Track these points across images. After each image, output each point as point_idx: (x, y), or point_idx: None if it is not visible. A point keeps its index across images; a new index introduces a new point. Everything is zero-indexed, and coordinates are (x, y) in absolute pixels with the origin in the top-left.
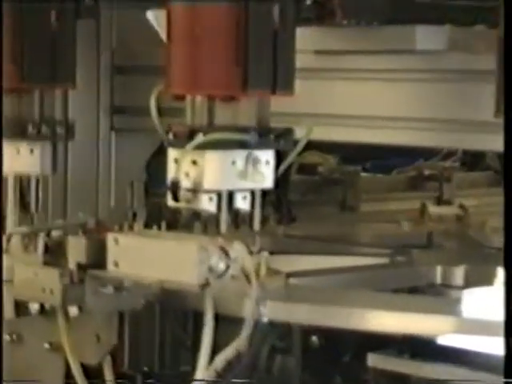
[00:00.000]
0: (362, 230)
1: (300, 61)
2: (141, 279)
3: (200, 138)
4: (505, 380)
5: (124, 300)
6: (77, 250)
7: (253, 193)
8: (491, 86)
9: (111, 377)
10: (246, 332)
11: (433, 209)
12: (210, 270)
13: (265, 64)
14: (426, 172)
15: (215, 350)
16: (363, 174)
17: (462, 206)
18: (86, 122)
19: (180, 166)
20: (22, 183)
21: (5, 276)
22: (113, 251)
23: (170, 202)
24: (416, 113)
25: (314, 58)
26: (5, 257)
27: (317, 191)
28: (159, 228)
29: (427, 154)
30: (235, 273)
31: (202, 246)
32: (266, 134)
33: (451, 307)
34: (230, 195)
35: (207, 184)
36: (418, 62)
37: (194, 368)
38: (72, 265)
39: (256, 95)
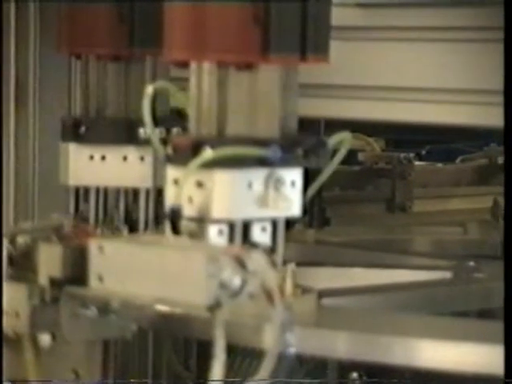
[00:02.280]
0: (416, 235)
1: (338, 17)
2: (132, 299)
3: (208, 152)
4: (505, 380)
5: (110, 325)
6: (50, 260)
7: (274, 223)
8: None
9: None
10: (267, 367)
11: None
12: (222, 286)
13: (291, 22)
14: (500, 160)
15: None
16: (417, 163)
17: None
18: None
19: (182, 188)
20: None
21: None
22: (96, 262)
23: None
24: (490, 84)
25: (357, 13)
26: None
27: (357, 185)
28: (156, 232)
29: (502, 136)
30: (254, 290)
31: (212, 255)
32: (292, 148)
33: None
34: (246, 226)
35: (216, 212)
36: (494, 18)
37: None
38: (44, 280)
39: (279, 63)
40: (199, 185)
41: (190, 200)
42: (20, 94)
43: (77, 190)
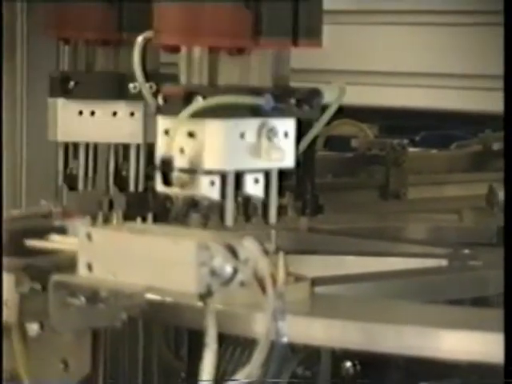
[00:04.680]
0: (411, 222)
1: (331, 1)
2: (121, 287)
3: (199, 102)
4: (505, 380)
5: (99, 314)
6: (38, 248)
7: (267, 174)
8: None
9: None
10: (259, 356)
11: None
12: (213, 274)
13: (283, 7)
14: (495, 146)
15: (219, 381)
16: (411, 150)
17: None
18: None
19: (173, 139)
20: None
21: None
22: (85, 250)
23: (160, 187)
24: (484, 69)
25: None
26: None
27: (350, 172)
28: (144, 220)
29: (496, 122)
30: (245, 278)
31: (203, 243)
32: (284, 98)
33: None
34: (238, 177)
35: (208, 163)
36: (489, 2)
37: None
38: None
39: (271, 47)
40: (191, 135)
41: (182, 151)
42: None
43: (66, 147)
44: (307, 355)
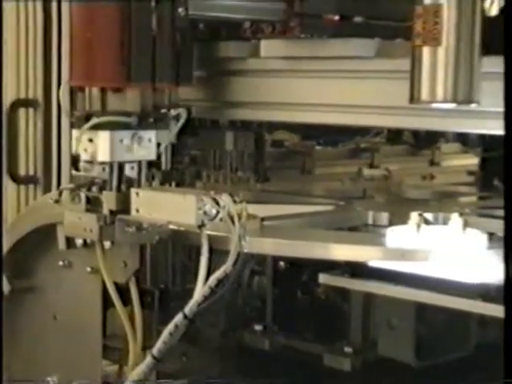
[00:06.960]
0: (316, 186)
1: (271, 64)
2: (155, 222)
3: (94, 120)
4: (505, 380)
5: (143, 236)
6: (109, 200)
7: (140, 163)
8: (407, 81)
9: (136, 292)
10: (231, 259)
11: (366, 171)
12: (205, 214)
13: (145, 63)
14: (362, 145)
15: (210, 273)
16: (317, 147)
17: (387, 170)
18: None
19: (79, 142)
20: None
21: (58, 219)
22: (135, 201)
23: (73, 172)
24: (354, 101)
25: (281, 62)
26: (57, 206)
27: (284, 159)
28: (170, 185)
29: (363, 132)
30: (223, 217)
31: (199, 197)
32: (146, 118)
33: (379, 240)
34: (121, 166)
35: (100, 157)
36: (354, 65)
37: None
38: (106, 211)
39: (138, 87)
40: (90, 140)
41: (85, 150)
42: None
43: None
44: (258, 259)
